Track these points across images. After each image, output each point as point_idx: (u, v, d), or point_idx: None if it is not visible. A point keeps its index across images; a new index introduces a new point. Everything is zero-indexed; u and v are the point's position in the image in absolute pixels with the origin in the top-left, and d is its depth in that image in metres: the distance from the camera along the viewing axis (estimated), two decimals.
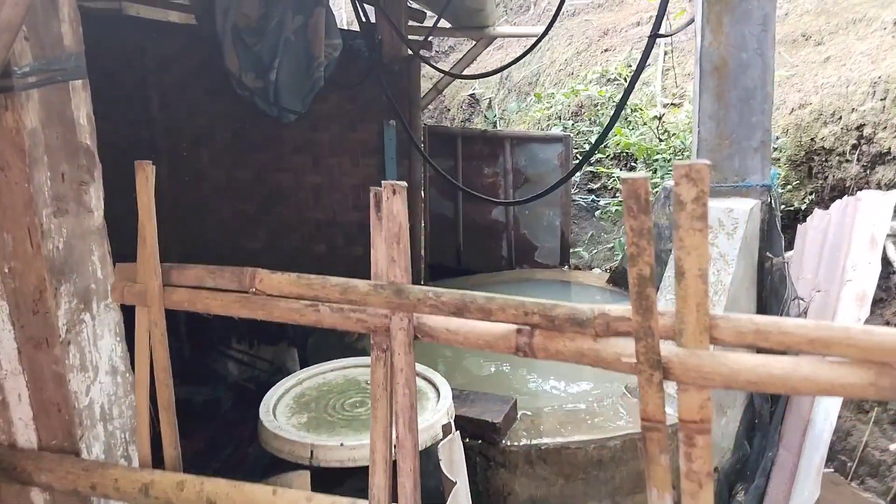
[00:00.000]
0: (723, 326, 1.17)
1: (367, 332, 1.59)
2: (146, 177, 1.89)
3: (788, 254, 4.21)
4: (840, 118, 5.19)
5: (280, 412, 2.85)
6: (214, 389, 5.31)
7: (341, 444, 2.51)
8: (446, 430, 2.65)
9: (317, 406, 2.90)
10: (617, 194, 6.27)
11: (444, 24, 6.43)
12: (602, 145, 6.66)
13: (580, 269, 6.48)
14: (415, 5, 6.38)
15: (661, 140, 6.23)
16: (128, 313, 2.12)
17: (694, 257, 1.14)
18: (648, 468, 1.26)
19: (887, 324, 4.87)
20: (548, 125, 7.76)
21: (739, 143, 3.42)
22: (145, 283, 1.92)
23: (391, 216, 1.47)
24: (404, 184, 1.45)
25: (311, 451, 2.52)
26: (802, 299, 3.81)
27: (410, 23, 6.41)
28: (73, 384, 2.03)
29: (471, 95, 10.05)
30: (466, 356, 5.21)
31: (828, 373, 1.11)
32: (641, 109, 6.69)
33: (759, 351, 1.19)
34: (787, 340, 1.12)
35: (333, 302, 1.61)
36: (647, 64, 7.60)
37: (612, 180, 6.73)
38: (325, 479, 2.49)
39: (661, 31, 3.55)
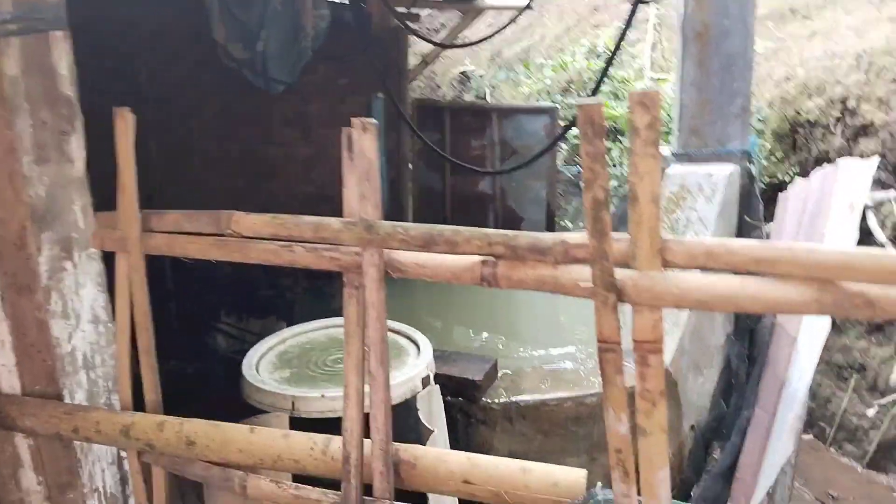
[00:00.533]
0: (674, 249, 1.21)
1: (340, 270, 1.63)
2: (125, 123, 1.92)
3: (770, 225, 4.27)
4: (825, 91, 5.23)
5: (263, 368, 2.90)
6: (204, 363, 5.36)
7: (322, 396, 2.56)
8: (425, 382, 2.71)
9: (299, 362, 2.96)
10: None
11: None
12: None
13: None
14: None
15: None
16: (111, 266, 2.15)
17: (647, 182, 1.18)
18: (606, 389, 1.32)
19: None
20: (537, 100, 7.78)
21: (720, 109, 3.47)
22: (125, 230, 1.95)
23: (361, 154, 1.51)
24: (374, 121, 1.49)
25: (293, 403, 2.58)
26: None
27: None
28: (55, 330, 2.07)
29: (462, 73, 10.04)
30: (456, 327, 5.27)
31: (773, 290, 1.15)
32: (629, 82, 6.72)
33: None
34: (735, 260, 1.17)
35: (307, 241, 1.65)
36: (638, 39, 7.63)
37: None
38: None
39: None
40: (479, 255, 1.42)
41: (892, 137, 4.75)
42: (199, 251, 1.86)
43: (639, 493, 1.39)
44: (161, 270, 4.97)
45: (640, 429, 1.31)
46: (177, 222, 1.90)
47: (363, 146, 1.50)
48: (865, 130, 4.98)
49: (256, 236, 1.73)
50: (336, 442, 1.76)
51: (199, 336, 5.63)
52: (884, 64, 4.91)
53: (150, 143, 5.29)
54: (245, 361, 2.89)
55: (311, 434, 1.79)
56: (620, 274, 1.25)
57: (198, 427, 1.89)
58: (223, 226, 1.77)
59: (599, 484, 1.51)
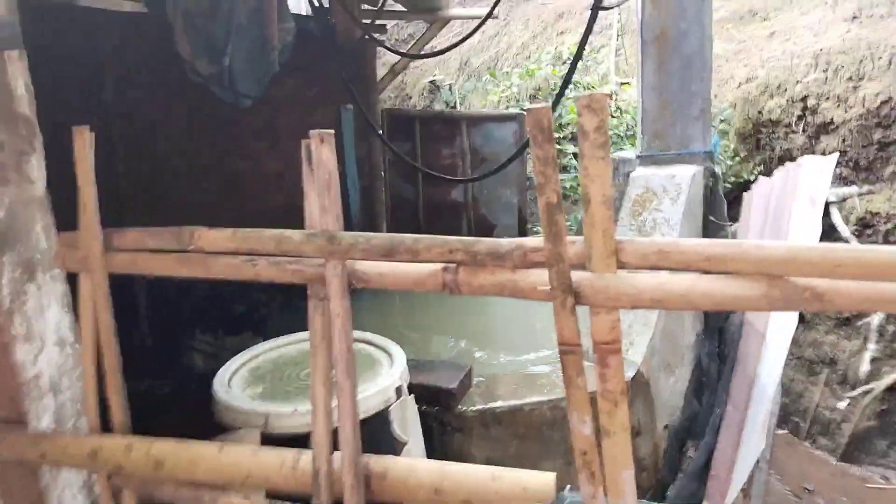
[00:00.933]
0: (628, 250, 1.23)
1: (304, 283, 1.63)
2: (84, 142, 1.90)
3: (736, 224, 4.34)
4: (785, 91, 5.34)
5: (235, 385, 2.88)
6: (179, 382, 5.30)
7: (294, 411, 2.55)
8: (399, 392, 2.71)
9: (272, 378, 2.94)
10: (570, 170, 6.37)
11: (398, 7, 6.46)
12: (556, 122, 6.74)
13: None
14: None
15: (613, 116, 6.35)
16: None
17: (598, 185, 1.20)
18: (568, 392, 1.33)
19: None
20: (506, 107, 7.85)
21: (681, 110, 3.52)
22: (86, 249, 1.93)
23: (321, 164, 1.51)
24: (331, 132, 1.50)
25: (266, 420, 2.56)
26: None
27: (365, 7, 6.42)
28: (19, 354, 2.03)
29: (431, 82, 10.08)
30: (434, 338, 5.27)
31: (723, 287, 1.18)
32: (594, 87, 6.80)
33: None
34: (686, 259, 1.19)
35: (270, 255, 1.65)
36: (602, 45, 7.73)
37: (567, 158, 6.84)
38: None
39: (606, 4, 3.62)
40: (441, 262, 1.43)
41: (852, 134, 4.86)
42: (162, 268, 1.85)
43: (606, 494, 1.40)
44: (133, 289, 4.92)
45: (603, 429, 1.32)
46: (139, 239, 1.89)
47: (322, 157, 1.51)
48: (826, 128, 5.09)
49: (219, 251, 1.73)
50: (307, 457, 1.75)
51: (174, 354, 5.57)
52: (840, 63, 5.03)
53: (115, 163, 5.24)
54: (216, 379, 2.86)
55: (281, 450, 1.78)
56: (577, 276, 1.27)
57: (166, 447, 1.87)
58: (185, 242, 1.76)
59: (568, 487, 1.52)
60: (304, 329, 3.80)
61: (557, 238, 1.24)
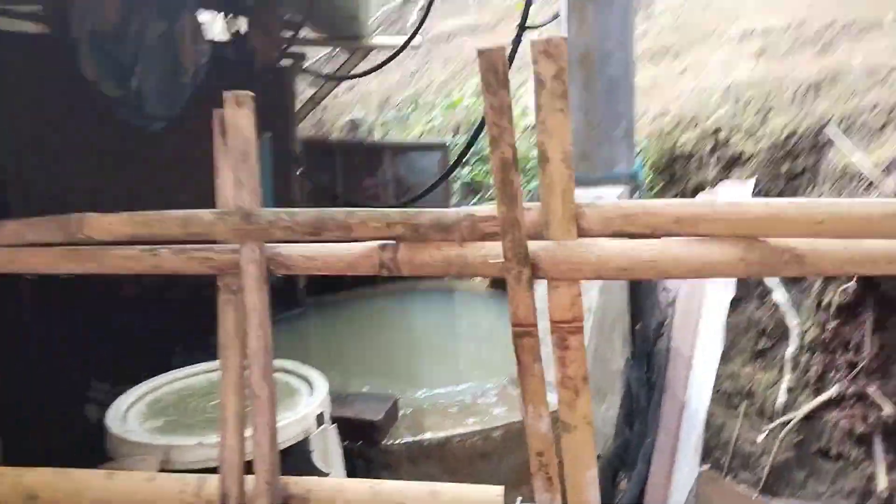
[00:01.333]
0: (589, 214, 1.10)
1: (215, 273, 1.41)
2: None
3: None
4: (697, 125, 5.51)
5: (131, 419, 2.55)
6: (73, 436, 4.79)
7: (199, 444, 2.25)
8: (320, 420, 2.47)
9: (175, 410, 2.62)
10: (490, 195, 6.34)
11: (321, 35, 6.36)
12: (475, 147, 6.67)
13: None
14: (288, 16, 6.26)
15: (535, 146, 6.36)
16: None
17: (557, 140, 1.07)
18: (523, 380, 1.17)
19: (749, 319, 5.12)
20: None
21: (607, 131, 3.52)
22: None
23: (236, 131, 1.32)
24: (250, 93, 1.31)
25: (167, 454, 2.25)
26: (668, 289, 3.94)
27: (286, 33, 6.27)
28: None
29: (351, 120, 9.97)
30: (353, 368, 5.00)
31: (697, 252, 1.06)
32: (516, 123, 6.84)
33: None
34: (654, 221, 1.07)
35: (174, 242, 1.43)
36: (522, 83, 7.84)
37: (490, 193, 6.82)
38: None
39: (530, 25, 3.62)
40: (378, 239, 1.25)
41: (762, 166, 5.03)
42: (45, 264, 1.58)
43: (565, 502, 1.23)
44: (18, 333, 4.45)
45: (563, 423, 1.16)
46: (18, 232, 1.61)
47: (238, 124, 1.32)
48: (737, 160, 5.25)
49: (114, 240, 1.48)
50: (212, 482, 1.51)
51: (68, 408, 5.06)
52: (750, 96, 5.25)
53: (11, 197, 4.79)
54: (110, 412, 2.52)
55: (182, 475, 1.52)
56: (534, 245, 1.12)
57: (43, 477, 1.57)
58: (73, 231, 1.51)
59: (519, 499, 1.36)
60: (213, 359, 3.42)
61: (512, 201, 1.09)
